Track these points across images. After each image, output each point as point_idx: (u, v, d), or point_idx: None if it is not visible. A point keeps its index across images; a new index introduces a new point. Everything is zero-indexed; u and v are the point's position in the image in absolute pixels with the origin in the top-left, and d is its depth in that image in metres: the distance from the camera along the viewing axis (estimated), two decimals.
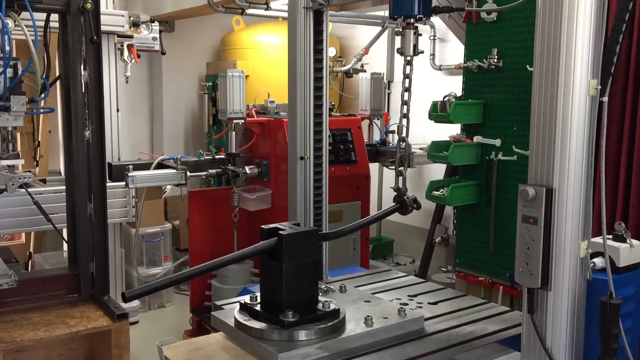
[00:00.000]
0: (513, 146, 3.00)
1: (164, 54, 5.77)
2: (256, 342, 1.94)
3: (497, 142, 3.12)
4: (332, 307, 2.07)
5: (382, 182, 6.84)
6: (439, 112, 3.18)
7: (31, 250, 6.39)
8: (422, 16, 2.22)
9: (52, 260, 5.94)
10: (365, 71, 6.13)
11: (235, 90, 4.72)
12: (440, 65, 6.05)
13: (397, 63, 6.74)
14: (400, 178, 2.36)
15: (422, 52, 2.20)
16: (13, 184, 4.07)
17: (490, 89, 3.19)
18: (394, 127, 5.95)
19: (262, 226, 2.08)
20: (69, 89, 4.29)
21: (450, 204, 3.28)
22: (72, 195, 4.34)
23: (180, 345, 2.51)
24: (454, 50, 5.97)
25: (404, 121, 2.33)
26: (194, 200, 5.06)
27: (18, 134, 6.72)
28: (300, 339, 1.95)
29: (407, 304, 2.40)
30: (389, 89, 6.69)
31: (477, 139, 3.18)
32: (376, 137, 5.91)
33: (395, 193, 2.38)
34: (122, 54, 5.38)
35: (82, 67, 4.19)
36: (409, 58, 2.28)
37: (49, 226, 4.49)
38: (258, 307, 2.08)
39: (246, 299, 2.13)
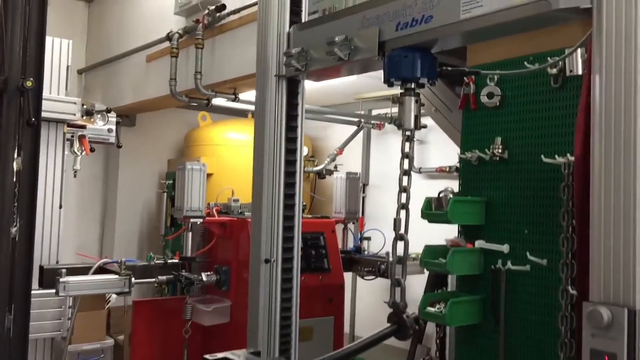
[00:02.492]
0: (527, 253, 2.45)
1: (119, 147, 5.26)
2: None
3: (505, 249, 2.58)
4: None
5: (356, 294, 6.19)
6: (434, 210, 2.65)
7: None
8: (425, 80, 1.74)
9: None
10: (338, 172, 5.69)
11: (194, 185, 4.18)
12: (420, 168, 5.64)
13: (372, 165, 6.34)
14: (398, 289, 1.76)
15: (425, 127, 1.69)
16: None
17: (493, 184, 2.69)
18: (369, 234, 5.44)
19: (206, 357, 1.44)
20: None
21: (449, 324, 2.67)
22: None
23: None
24: (435, 153, 5.61)
25: (402, 213, 1.77)
26: (139, 311, 4.35)
27: None
28: None
29: None
30: (363, 193, 6.23)
31: (479, 243, 2.64)
32: (350, 243, 5.36)
33: (391, 310, 1.78)
34: (72, 145, 4.86)
35: (15, 153, 3.65)
36: (408, 133, 1.77)
37: None
38: None
39: None
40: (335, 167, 6.12)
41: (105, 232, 6.58)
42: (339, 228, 5.02)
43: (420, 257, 2.67)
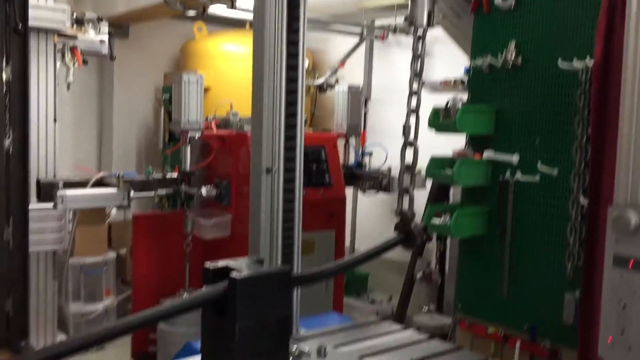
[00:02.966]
0: (538, 163, 2.37)
1: (113, 58, 5.07)
2: None
3: (514, 159, 2.49)
4: None
5: (357, 210, 6.18)
6: (442, 120, 2.54)
7: None
8: None
9: None
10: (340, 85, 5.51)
11: (191, 97, 4.04)
12: (424, 82, 5.47)
13: (375, 79, 6.16)
14: (406, 198, 1.69)
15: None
16: None
17: (504, 92, 2.57)
18: (371, 149, 5.37)
19: (206, 264, 1.39)
20: None
21: (454, 236, 2.62)
22: None
23: None
24: (439, 66, 5.42)
25: (412, 119, 1.67)
26: (139, 225, 4.33)
27: None
28: None
29: None
30: (365, 107, 6.08)
31: (487, 154, 2.55)
32: (352, 159, 5.29)
33: (399, 219, 1.70)
34: (63, 56, 4.67)
35: (4, 62, 3.50)
36: (420, 32, 1.64)
37: None
38: None
39: None
40: (337, 80, 5.95)
41: (102, 148, 6.48)
42: (340, 143, 4.93)
43: (426, 168, 2.59)
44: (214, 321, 1.35)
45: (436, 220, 2.57)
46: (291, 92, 2.10)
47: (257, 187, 2.09)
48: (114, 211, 5.48)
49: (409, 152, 1.69)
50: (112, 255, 5.26)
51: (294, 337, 2.04)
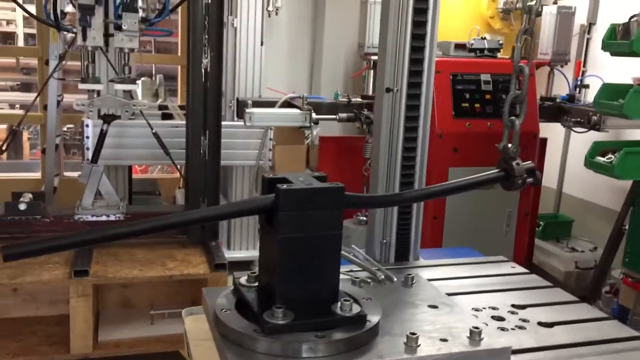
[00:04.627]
0: None
1: None
2: (224, 347, 1.28)
3: None
4: (355, 310, 1.32)
5: (568, 149, 5.58)
6: (619, 40, 2.13)
7: (180, 185, 6.38)
8: None
9: None
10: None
11: (375, 19, 3.96)
12: None
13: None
14: (508, 131, 1.48)
15: None
16: (127, 111, 3.84)
17: None
18: (589, 80, 4.77)
19: (264, 175, 1.40)
20: (190, 11, 3.93)
21: (618, 177, 2.24)
22: (189, 130, 4.03)
23: None
24: None
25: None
26: (325, 147, 4.52)
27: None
28: (290, 354, 1.24)
29: (502, 319, 1.55)
30: (589, 34, 5.35)
31: None
32: (558, 90, 4.76)
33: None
34: None
35: None
36: None
37: (169, 161, 4.26)
38: (253, 293, 1.41)
39: (243, 277, 1.47)
40: (556, 1, 5.31)
41: (314, 72, 6.74)
42: (543, 72, 4.46)
43: (594, 98, 2.22)
44: (266, 231, 1.37)
45: (600, 159, 2.21)
46: (420, 11, 1.93)
47: (379, 109, 2.01)
48: (314, 133, 5.75)
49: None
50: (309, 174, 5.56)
51: (410, 264, 1.98)
